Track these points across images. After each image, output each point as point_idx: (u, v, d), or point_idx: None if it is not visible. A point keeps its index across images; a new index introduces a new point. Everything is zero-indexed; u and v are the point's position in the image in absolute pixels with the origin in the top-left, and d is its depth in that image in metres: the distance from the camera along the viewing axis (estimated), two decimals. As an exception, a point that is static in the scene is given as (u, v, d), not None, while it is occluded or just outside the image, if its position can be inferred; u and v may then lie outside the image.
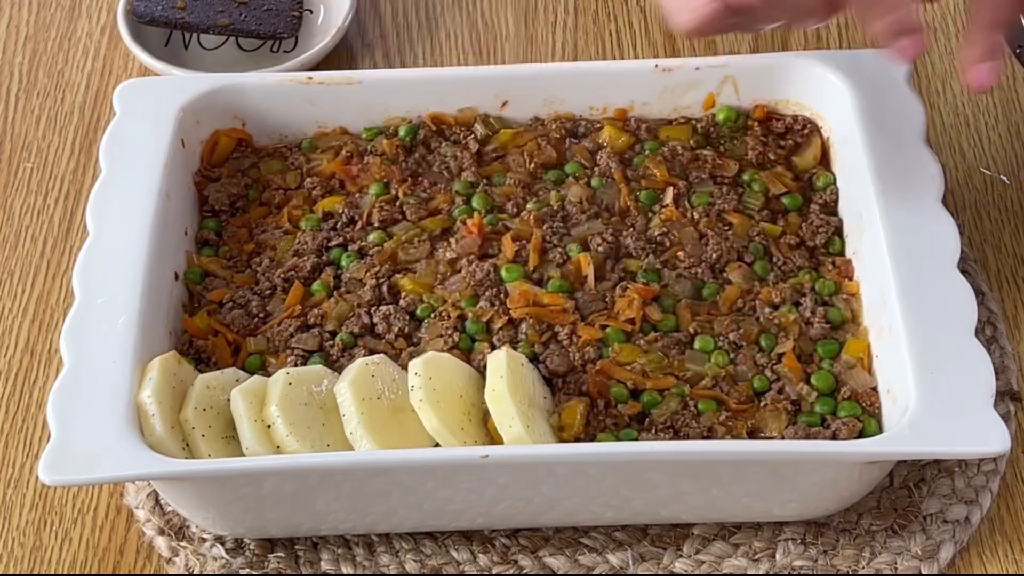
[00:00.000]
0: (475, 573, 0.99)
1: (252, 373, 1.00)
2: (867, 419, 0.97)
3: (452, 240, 1.07)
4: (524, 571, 0.99)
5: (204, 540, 1.01)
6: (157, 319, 1.01)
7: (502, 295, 1.04)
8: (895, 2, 0.93)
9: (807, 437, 0.96)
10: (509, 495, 0.96)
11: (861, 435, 0.96)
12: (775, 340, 1.02)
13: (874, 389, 0.99)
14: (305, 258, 1.07)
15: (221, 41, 1.34)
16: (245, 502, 0.96)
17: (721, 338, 1.02)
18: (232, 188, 1.12)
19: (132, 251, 1.01)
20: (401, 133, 1.15)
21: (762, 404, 0.99)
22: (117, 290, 0.99)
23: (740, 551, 1.00)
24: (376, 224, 1.09)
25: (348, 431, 0.94)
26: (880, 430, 0.97)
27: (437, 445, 0.94)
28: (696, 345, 1.01)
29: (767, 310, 1.03)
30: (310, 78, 1.14)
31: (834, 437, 0.96)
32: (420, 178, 1.13)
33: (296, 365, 1.00)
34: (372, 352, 1.01)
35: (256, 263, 1.08)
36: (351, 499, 0.96)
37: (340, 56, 1.33)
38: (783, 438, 0.96)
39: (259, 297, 1.06)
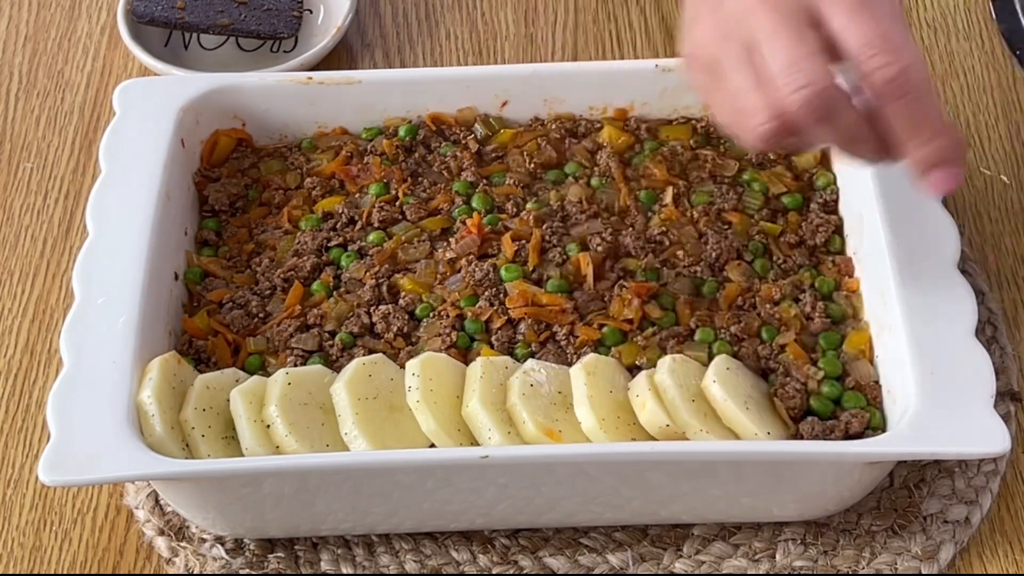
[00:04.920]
0: (475, 573, 0.99)
1: (252, 373, 1.00)
2: (872, 411, 0.97)
3: (452, 240, 1.07)
4: (524, 571, 0.99)
5: (204, 540, 1.00)
6: (157, 319, 1.01)
7: (501, 295, 1.04)
8: (941, 127, 0.84)
9: (822, 431, 0.96)
10: (509, 495, 0.96)
11: (868, 426, 0.96)
12: (776, 332, 1.02)
13: (876, 382, 0.99)
14: (305, 258, 1.07)
15: (221, 41, 1.34)
16: (245, 502, 0.96)
17: (722, 331, 1.02)
18: (232, 188, 1.12)
19: (132, 251, 1.01)
20: (401, 133, 1.15)
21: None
22: (117, 290, 0.99)
23: (740, 551, 1.00)
24: (376, 224, 1.09)
25: (343, 431, 0.94)
26: (883, 425, 0.97)
27: (433, 446, 0.94)
28: (696, 337, 1.01)
29: (767, 306, 1.03)
30: (310, 78, 1.14)
31: (846, 430, 0.96)
32: (420, 178, 1.13)
33: (296, 365, 1.00)
34: (371, 352, 1.01)
35: (256, 263, 1.08)
36: (351, 499, 0.96)
37: (340, 56, 1.33)
38: (798, 430, 0.96)
39: (259, 297, 1.06)
